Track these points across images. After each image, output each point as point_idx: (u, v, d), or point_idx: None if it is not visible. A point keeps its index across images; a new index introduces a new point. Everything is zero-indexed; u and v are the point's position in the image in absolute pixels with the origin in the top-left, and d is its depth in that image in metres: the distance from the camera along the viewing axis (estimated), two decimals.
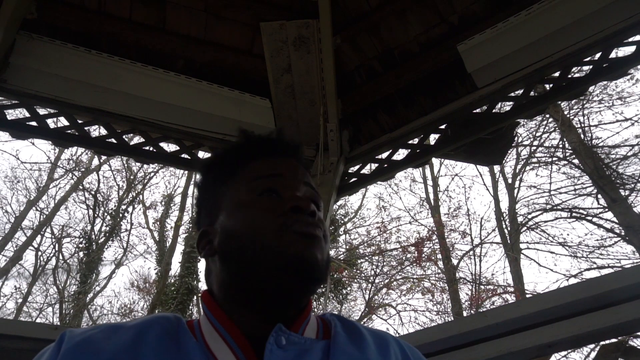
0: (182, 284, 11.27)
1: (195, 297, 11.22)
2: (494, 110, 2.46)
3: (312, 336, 0.64)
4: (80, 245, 13.95)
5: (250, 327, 0.60)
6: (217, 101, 2.56)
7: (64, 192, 14.17)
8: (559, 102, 7.67)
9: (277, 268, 0.59)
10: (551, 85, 2.31)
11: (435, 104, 2.61)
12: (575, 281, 9.17)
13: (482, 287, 12.57)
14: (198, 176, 0.79)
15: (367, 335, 0.68)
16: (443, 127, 2.54)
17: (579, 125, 9.45)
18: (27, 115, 2.35)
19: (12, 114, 2.38)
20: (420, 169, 12.99)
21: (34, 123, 2.34)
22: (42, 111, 2.42)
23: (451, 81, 2.55)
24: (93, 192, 14.18)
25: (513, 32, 2.28)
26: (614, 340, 1.48)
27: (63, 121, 2.46)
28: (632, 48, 2.15)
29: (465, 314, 11.76)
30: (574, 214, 10.07)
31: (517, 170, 12.35)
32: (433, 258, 13.46)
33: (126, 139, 2.54)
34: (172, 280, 12.26)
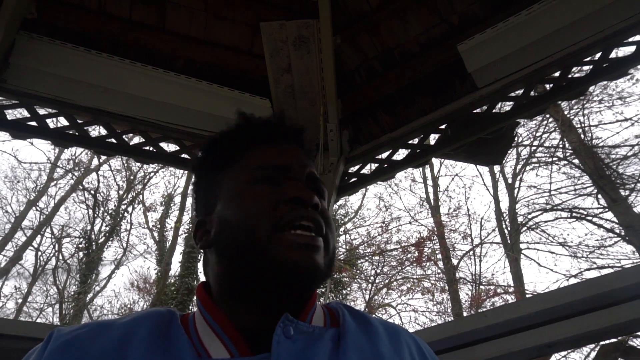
0: (182, 284, 11.27)
1: (195, 297, 11.21)
2: (494, 110, 2.46)
3: (320, 324, 0.62)
4: (80, 245, 13.96)
5: (246, 321, 0.58)
6: (217, 101, 2.56)
7: (64, 192, 14.19)
8: (559, 102, 7.67)
9: (270, 273, 0.56)
10: (551, 85, 2.31)
11: (435, 104, 2.61)
12: (575, 281, 9.17)
13: (482, 287, 12.58)
14: (194, 160, 0.77)
15: (378, 326, 0.65)
16: (443, 127, 2.54)
17: (579, 125, 9.46)
18: (27, 115, 2.35)
19: (12, 114, 2.38)
20: (420, 169, 13.00)
21: (33, 123, 2.34)
22: (42, 111, 2.42)
23: (451, 81, 2.55)
24: (93, 192, 14.19)
25: (513, 32, 2.28)
26: (613, 340, 1.48)
27: (63, 121, 2.46)
28: (632, 48, 2.15)
29: (465, 314, 11.76)
30: (574, 214, 10.08)
31: (517, 170, 12.37)
32: (433, 258, 13.47)
33: (126, 139, 2.54)
34: (172, 280, 12.26)
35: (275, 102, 2.62)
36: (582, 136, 9.28)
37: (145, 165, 12.90)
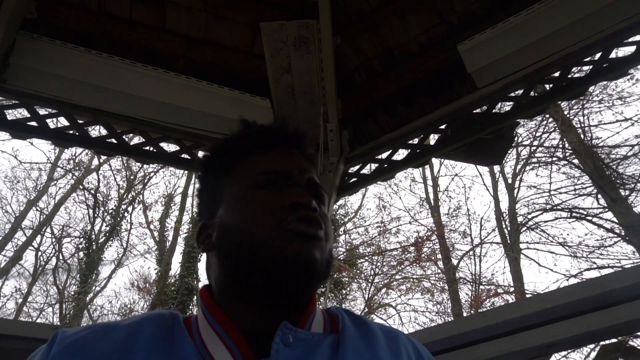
0: (182, 284, 11.27)
1: (195, 297, 11.22)
2: (494, 110, 2.46)
3: (319, 331, 0.62)
4: (80, 245, 13.96)
5: (249, 324, 0.59)
6: (217, 101, 2.56)
7: (64, 192, 14.19)
8: (559, 102, 7.67)
9: (274, 267, 0.57)
10: (551, 85, 2.31)
11: (435, 104, 2.61)
12: (575, 281, 9.17)
13: (482, 287, 12.57)
14: (198, 166, 0.77)
15: (377, 331, 0.66)
16: (443, 127, 2.54)
17: (579, 125, 9.46)
18: (27, 115, 2.35)
19: (12, 114, 2.38)
20: (420, 169, 12.99)
21: (34, 123, 2.34)
22: (42, 111, 2.42)
23: (451, 81, 2.55)
24: (93, 192, 14.19)
25: (513, 32, 2.28)
26: (614, 340, 1.48)
27: (63, 121, 2.46)
28: (632, 48, 2.15)
29: (465, 314, 11.76)
30: (574, 214, 10.08)
31: (517, 170, 12.37)
32: (433, 258, 13.47)
33: (126, 139, 2.54)
34: (172, 280, 12.26)
35: (275, 102, 2.62)
36: (582, 136, 9.28)
37: (145, 165, 12.91)
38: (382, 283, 13.76)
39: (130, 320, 0.61)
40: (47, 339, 0.58)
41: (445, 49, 2.49)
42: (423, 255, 13.32)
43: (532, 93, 2.36)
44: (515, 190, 12.20)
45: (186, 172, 12.90)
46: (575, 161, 9.74)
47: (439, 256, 13.38)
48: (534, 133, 11.16)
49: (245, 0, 2.52)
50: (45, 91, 2.37)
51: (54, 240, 14.15)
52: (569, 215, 10.19)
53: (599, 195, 9.00)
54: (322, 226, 0.62)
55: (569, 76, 2.26)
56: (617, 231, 9.12)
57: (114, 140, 2.50)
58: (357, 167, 2.76)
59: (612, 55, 2.18)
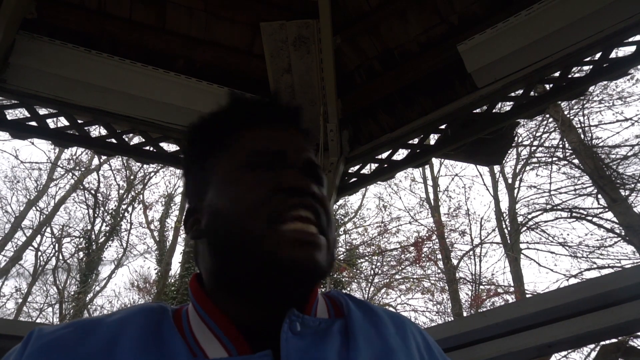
0: (182, 284, 11.27)
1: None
2: (494, 110, 2.46)
3: (324, 316, 0.59)
4: (80, 245, 13.96)
5: (242, 317, 0.54)
6: (217, 101, 2.55)
7: (64, 192, 14.19)
8: (559, 102, 7.67)
9: (268, 268, 0.51)
10: (551, 85, 2.31)
11: (435, 104, 2.61)
12: (575, 281, 9.17)
13: (482, 287, 12.58)
14: (184, 143, 0.69)
15: (384, 316, 0.62)
16: (443, 127, 2.54)
17: (579, 125, 9.47)
18: (27, 115, 2.35)
19: (12, 114, 2.38)
20: (420, 169, 12.99)
21: (34, 123, 2.35)
22: (42, 111, 2.42)
23: (451, 81, 2.55)
24: (93, 192, 14.19)
25: (513, 32, 2.28)
26: (614, 340, 1.48)
27: (63, 121, 2.46)
28: (632, 48, 2.15)
29: (465, 314, 11.77)
30: (574, 214, 10.08)
31: (517, 170, 12.37)
32: (433, 258, 13.48)
33: (126, 139, 2.54)
34: (172, 280, 12.27)
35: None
36: (582, 136, 9.28)
37: (145, 165, 12.91)
38: (382, 283, 13.77)
39: (115, 316, 0.55)
40: None
41: (445, 49, 2.49)
42: (423, 255, 13.32)
43: (532, 93, 2.36)
44: (515, 190, 12.20)
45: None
46: (575, 161, 9.75)
47: (439, 256, 13.39)
48: (534, 133, 11.17)
49: (245, 0, 2.52)
50: (45, 91, 2.37)
51: (53, 240, 14.16)
52: (569, 215, 10.20)
53: (599, 195, 9.01)
54: (321, 217, 0.56)
55: (569, 76, 2.26)
56: (617, 231, 9.12)
57: (114, 140, 2.50)
58: (357, 167, 2.76)
59: (612, 55, 2.18)
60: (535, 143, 11.35)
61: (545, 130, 10.88)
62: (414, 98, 2.65)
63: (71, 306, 13.09)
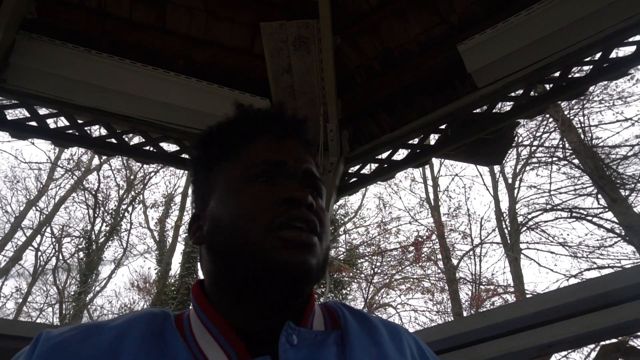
0: (182, 284, 11.27)
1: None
2: (494, 110, 2.46)
3: (320, 328, 0.61)
4: (80, 245, 13.96)
5: (243, 322, 0.57)
6: (217, 101, 2.56)
7: (64, 192, 14.19)
8: (559, 102, 7.67)
9: (265, 272, 0.54)
10: (551, 85, 2.31)
11: (435, 104, 2.61)
12: (575, 281, 9.17)
13: (482, 287, 12.57)
14: (192, 152, 0.73)
15: (379, 325, 0.64)
16: (443, 127, 2.54)
17: (579, 125, 9.47)
18: (27, 115, 2.35)
19: (12, 114, 2.38)
20: (420, 169, 12.99)
21: (34, 123, 2.35)
22: (42, 111, 2.42)
23: (451, 81, 2.55)
24: (93, 192, 14.19)
25: (513, 32, 2.28)
26: (614, 340, 1.48)
27: (63, 121, 2.46)
28: (632, 48, 2.15)
29: (465, 314, 11.76)
30: (574, 214, 10.08)
31: (517, 170, 12.37)
32: (433, 258, 13.48)
33: (126, 139, 2.54)
34: (172, 280, 12.27)
35: (275, 102, 2.62)
36: (582, 136, 9.28)
37: (145, 165, 12.91)
38: (382, 283, 13.77)
39: (120, 320, 0.58)
40: None
41: (445, 49, 2.49)
42: (423, 255, 13.32)
43: (532, 93, 2.36)
44: (516, 190, 12.20)
45: (186, 172, 12.89)
46: (576, 161, 9.75)
47: (439, 256, 13.39)
48: (534, 133, 11.18)
49: (245, 0, 2.52)
50: (45, 91, 2.37)
51: (54, 240, 14.16)
52: (569, 215, 10.20)
53: (599, 195, 9.01)
54: (317, 229, 0.59)
55: (569, 76, 2.26)
56: (617, 231, 9.12)
57: (114, 140, 2.50)
58: (357, 167, 2.76)
59: (612, 55, 2.18)
60: (535, 143, 11.36)
61: (545, 130, 10.89)
62: (414, 98, 2.65)
63: (71, 306, 13.09)
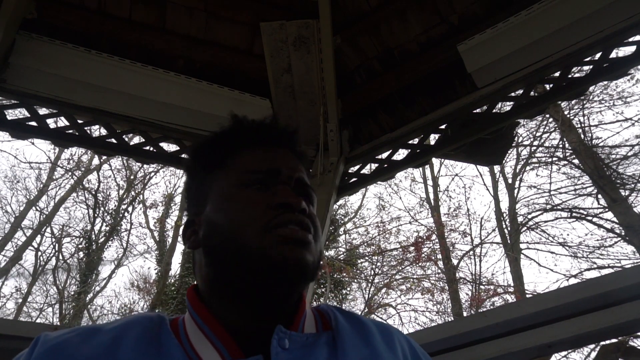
0: (182, 284, 11.27)
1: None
2: (494, 110, 2.46)
3: (312, 330, 0.62)
4: (80, 245, 13.96)
5: (237, 323, 0.58)
6: (217, 101, 2.56)
7: (64, 192, 14.19)
8: (559, 102, 7.67)
9: (261, 271, 0.56)
10: (551, 85, 2.31)
11: (435, 104, 2.61)
12: (575, 281, 9.17)
13: (482, 287, 12.57)
14: (186, 159, 0.77)
15: (371, 326, 0.65)
16: (443, 127, 2.54)
17: (579, 125, 9.46)
18: (27, 115, 2.35)
19: (12, 114, 2.38)
20: (420, 169, 12.99)
21: (34, 123, 2.34)
22: (42, 111, 2.42)
23: (451, 81, 2.54)
24: (93, 192, 14.19)
25: (513, 32, 2.28)
26: (614, 340, 1.48)
27: (63, 121, 2.46)
28: (632, 48, 2.15)
29: (465, 314, 11.76)
30: (574, 214, 10.08)
31: (517, 170, 12.37)
32: (433, 258, 13.47)
33: (126, 139, 2.54)
34: (172, 280, 12.27)
35: (275, 102, 2.62)
36: (582, 136, 9.28)
37: (145, 165, 12.91)
38: (382, 283, 13.77)
39: (116, 323, 0.60)
40: None
41: (445, 49, 2.49)
42: (423, 255, 13.32)
43: (532, 93, 2.36)
44: (516, 190, 12.20)
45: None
46: (576, 161, 9.75)
47: (439, 256, 13.39)
48: (534, 133, 11.18)
49: (245, 0, 2.52)
50: (45, 91, 2.37)
51: (53, 240, 14.16)
52: (569, 215, 10.20)
53: (599, 195, 9.00)
54: (311, 229, 0.61)
55: (569, 76, 2.26)
56: (617, 231, 9.12)
57: (114, 140, 2.50)
58: (357, 167, 2.76)
59: (612, 55, 2.18)
60: (535, 143, 11.36)
61: (545, 130, 10.89)
62: (414, 98, 2.65)
63: (71, 306, 13.09)
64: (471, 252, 13.17)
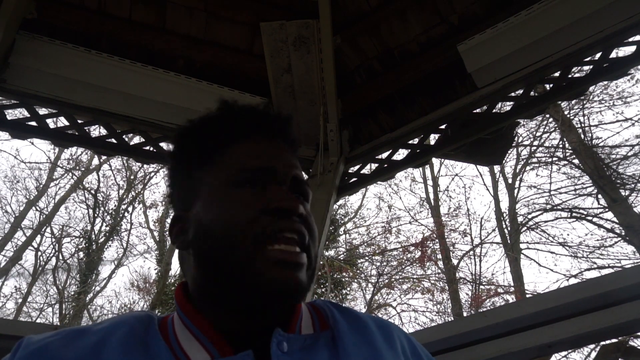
0: None
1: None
2: (494, 110, 2.46)
3: (309, 331, 0.61)
4: (80, 245, 13.96)
5: (226, 324, 0.57)
6: (217, 101, 2.56)
7: (64, 192, 14.19)
8: (559, 102, 7.67)
9: (252, 287, 0.54)
10: (551, 85, 2.31)
11: (435, 104, 2.61)
12: (575, 281, 9.17)
13: (482, 287, 12.57)
14: (171, 147, 0.69)
15: (369, 322, 0.64)
16: (443, 127, 2.54)
17: (579, 125, 9.47)
18: (27, 115, 2.35)
19: (12, 114, 2.38)
20: (420, 169, 12.99)
21: (34, 123, 2.34)
22: (42, 111, 2.42)
23: (451, 81, 2.54)
24: (93, 192, 14.19)
25: (513, 32, 2.28)
26: (614, 340, 1.47)
27: (63, 121, 2.46)
28: (632, 48, 2.15)
29: (465, 314, 11.76)
30: (574, 214, 10.08)
31: (517, 170, 12.37)
32: (433, 258, 13.47)
33: (126, 139, 2.54)
34: (172, 280, 12.27)
35: (275, 102, 2.62)
36: (582, 136, 9.28)
37: (145, 165, 12.91)
38: (383, 283, 13.77)
39: (103, 324, 0.58)
40: None
41: (445, 49, 2.49)
42: (426, 255, 13.32)
43: (532, 93, 2.36)
44: (516, 190, 12.20)
45: None
46: (576, 161, 9.75)
47: (439, 256, 13.39)
48: (534, 133, 11.18)
49: (245, 0, 2.52)
50: (45, 91, 2.37)
51: (53, 240, 14.16)
52: (569, 215, 10.20)
53: (599, 195, 9.01)
54: (306, 240, 0.58)
55: (569, 76, 2.26)
56: (617, 231, 9.12)
57: (114, 140, 2.50)
58: (357, 167, 2.76)
59: (612, 55, 2.18)
60: (535, 143, 11.36)
61: (545, 130, 10.90)
62: (414, 98, 2.65)
63: (71, 306, 13.09)
64: (471, 252, 13.18)
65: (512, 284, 11.62)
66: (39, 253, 13.86)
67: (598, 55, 2.20)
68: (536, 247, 11.50)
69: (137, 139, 2.64)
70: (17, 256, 13.05)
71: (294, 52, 2.49)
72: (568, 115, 9.57)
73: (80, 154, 13.79)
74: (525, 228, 11.65)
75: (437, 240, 13.42)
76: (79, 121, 2.46)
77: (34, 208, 13.79)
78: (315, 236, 0.61)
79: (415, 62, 2.58)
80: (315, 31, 2.43)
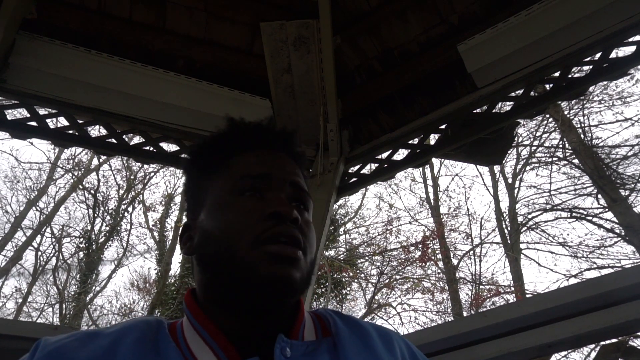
0: (182, 284, 11.27)
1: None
2: (494, 110, 2.46)
3: (311, 337, 0.63)
4: (80, 245, 13.95)
5: (232, 328, 0.59)
6: (217, 101, 2.56)
7: (64, 192, 14.19)
8: (559, 102, 7.67)
9: (250, 285, 0.56)
10: (551, 85, 2.31)
11: (435, 104, 2.61)
12: (575, 281, 9.17)
13: (482, 287, 12.57)
14: (184, 160, 0.76)
15: (370, 330, 0.66)
16: (443, 127, 2.54)
17: (579, 125, 9.47)
18: (27, 115, 2.35)
19: (12, 114, 2.38)
20: (420, 169, 12.99)
21: (33, 123, 2.34)
22: (42, 111, 2.42)
23: (451, 81, 2.54)
24: (93, 192, 14.18)
25: (513, 32, 2.28)
26: (614, 340, 1.48)
27: (63, 121, 2.46)
28: (632, 48, 2.15)
29: (465, 314, 11.76)
30: (574, 214, 10.08)
31: (517, 170, 12.37)
32: (433, 258, 13.47)
33: (126, 139, 2.54)
34: (172, 280, 12.27)
35: (275, 102, 2.62)
36: (582, 136, 9.28)
37: (145, 165, 12.91)
38: (383, 283, 13.77)
39: (115, 327, 0.60)
40: None
41: (445, 49, 2.49)
42: (427, 255, 13.32)
43: (532, 93, 2.36)
44: (516, 190, 12.20)
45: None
46: (576, 161, 9.75)
47: (439, 256, 13.39)
48: (534, 133, 11.18)
49: (245, 0, 2.52)
50: (45, 91, 2.37)
51: (54, 240, 14.16)
52: (569, 215, 10.20)
53: (599, 195, 9.01)
54: (301, 243, 0.60)
55: (569, 76, 2.26)
56: (617, 231, 9.12)
57: (114, 140, 2.50)
58: (357, 167, 2.76)
59: (612, 55, 2.18)
60: (535, 143, 11.36)
61: (545, 130, 10.90)
62: (414, 98, 2.65)
63: (71, 306, 13.09)
64: (471, 252, 13.18)
65: (512, 284, 11.63)
66: (39, 253, 13.87)
67: (598, 55, 2.20)
68: (536, 247, 11.51)
69: (137, 139, 2.64)
70: (17, 256, 13.06)
71: (294, 52, 2.49)
72: (568, 115, 9.57)
73: (80, 154, 13.80)
74: (525, 228, 11.66)
75: (437, 240, 13.42)
76: (79, 121, 2.46)
77: (34, 208, 13.80)
78: (312, 244, 0.63)
79: (415, 62, 2.58)
80: (315, 31, 2.43)
